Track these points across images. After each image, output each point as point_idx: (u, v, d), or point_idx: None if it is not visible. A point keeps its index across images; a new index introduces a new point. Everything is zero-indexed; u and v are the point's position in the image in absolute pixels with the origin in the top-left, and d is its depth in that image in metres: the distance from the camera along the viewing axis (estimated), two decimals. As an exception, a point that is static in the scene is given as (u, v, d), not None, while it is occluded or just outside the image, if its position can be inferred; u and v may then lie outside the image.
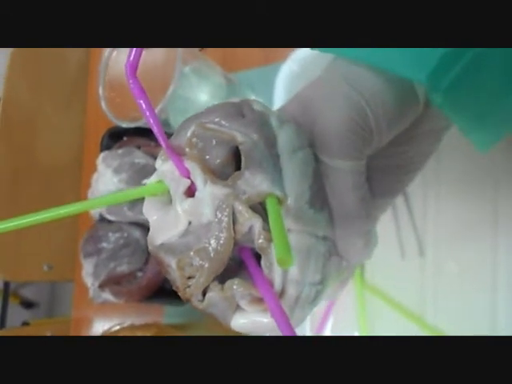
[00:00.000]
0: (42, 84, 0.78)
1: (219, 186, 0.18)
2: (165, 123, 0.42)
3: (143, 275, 0.52)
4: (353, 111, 0.19)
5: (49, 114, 0.78)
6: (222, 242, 0.18)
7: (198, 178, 0.18)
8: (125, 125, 0.39)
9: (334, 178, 0.20)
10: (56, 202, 0.75)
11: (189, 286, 0.19)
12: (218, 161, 0.18)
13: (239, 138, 0.18)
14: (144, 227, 0.52)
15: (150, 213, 0.20)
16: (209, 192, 0.18)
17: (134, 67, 0.18)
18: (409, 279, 0.37)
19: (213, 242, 0.18)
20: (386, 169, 0.24)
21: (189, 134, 0.19)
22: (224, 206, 0.18)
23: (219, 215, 0.18)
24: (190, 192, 0.19)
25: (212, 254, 0.18)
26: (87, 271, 0.52)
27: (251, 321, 0.19)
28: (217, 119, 0.19)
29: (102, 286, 0.51)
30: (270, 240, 0.18)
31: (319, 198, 0.20)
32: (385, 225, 0.38)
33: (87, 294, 0.53)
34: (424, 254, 0.37)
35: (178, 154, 0.19)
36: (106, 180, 0.51)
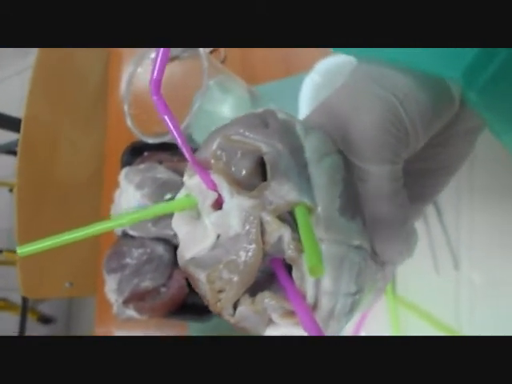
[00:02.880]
0: (62, 102, 0.78)
1: (246, 198, 0.17)
2: (188, 138, 0.41)
3: (167, 291, 0.51)
4: (386, 111, 0.19)
5: (69, 132, 0.79)
6: (250, 253, 0.17)
7: (224, 190, 0.18)
8: (151, 140, 0.39)
9: (371, 183, 0.19)
10: (76, 218, 0.76)
11: (219, 300, 0.19)
12: (244, 172, 0.18)
13: (264, 148, 0.18)
14: (167, 242, 0.52)
15: (180, 228, 0.20)
16: (235, 204, 0.18)
17: (157, 83, 0.18)
18: (443, 293, 0.36)
19: (242, 254, 0.18)
20: (420, 172, 0.23)
21: (214, 146, 0.18)
22: (251, 217, 0.17)
23: (247, 227, 0.17)
24: (218, 205, 0.19)
25: (241, 267, 0.18)
26: (111, 287, 0.52)
27: (284, 334, 0.18)
28: (241, 130, 0.18)
29: (125, 302, 0.51)
30: (300, 250, 0.17)
31: (351, 205, 0.19)
32: (418, 240, 0.37)
33: (109, 310, 0.53)
34: (459, 268, 0.36)
35: (204, 167, 0.19)
36: (129, 195, 0.51)
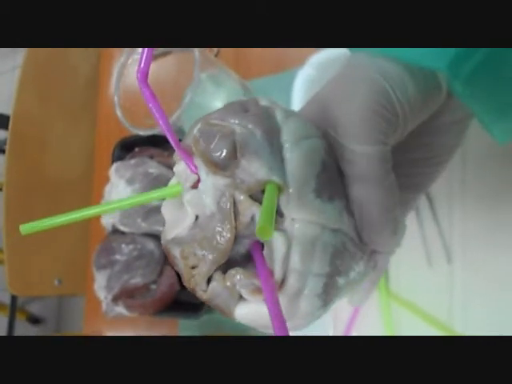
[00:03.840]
0: (51, 98, 0.78)
1: (219, 177, 0.18)
2: (180, 131, 0.41)
3: (157, 288, 0.50)
4: (377, 94, 0.19)
5: (58, 129, 0.78)
6: (224, 232, 0.18)
7: (202, 170, 0.19)
8: (141, 132, 0.38)
9: (360, 165, 0.19)
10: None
11: (193, 276, 0.19)
12: (222, 154, 0.18)
13: (237, 129, 0.18)
14: (158, 238, 0.52)
15: (167, 212, 0.21)
16: (210, 183, 0.19)
17: (144, 73, 0.19)
18: (436, 287, 0.36)
19: (215, 232, 0.18)
20: (410, 162, 0.24)
21: (195, 131, 0.19)
22: (225, 196, 0.18)
23: (221, 205, 0.18)
24: (197, 186, 0.20)
25: (214, 244, 0.18)
26: (100, 284, 0.51)
27: (254, 310, 0.19)
28: (221, 116, 0.19)
29: (115, 299, 0.50)
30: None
31: (328, 188, 0.19)
32: (409, 232, 0.36)
33: (99, 308, 0.52)
34: (452, 261, 0.36)
35: (188, 153, 0.20)
36: (119, 191, 0.50)
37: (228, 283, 0.19)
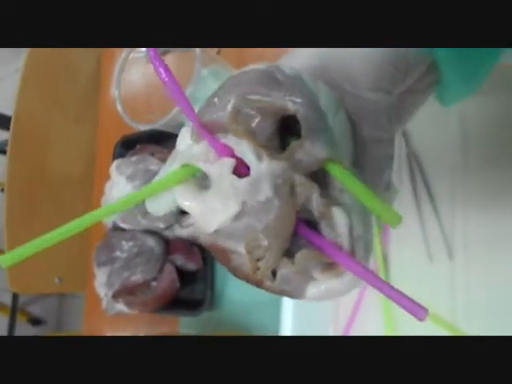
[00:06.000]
0: (53, 98, 0.78)
1: (277, 160, 0.17)
2: (180, 126, 0.41)
3: (157, 285, 0.50)
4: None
5: (60, 128, 0.78)
6: (285, 217, 0.17)
7: (249, 154, 0.17)
8: (142, 127, 0.38)
9: (367, 107, 0.19)
10: (68, 212, 0.74)
11: (258, 269, 0.18)
12: (267, 134, 0.17)
13: (291, 106, 0.16)
14: (158, 235, 0.51)
15: (188, 202, 0.19)
16: (266, 168, 0.17)
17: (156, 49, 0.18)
18: (438, 283, 0.36)
19: (276, 218, 0.17)
20: None
21: (229, 107, 0.17)
22: (282, 180, 0.17)
23: (279, 190, 0.17)
24: (237, 171, 0.18)
25: (278, 232, 0.17)
26: (100, 281, 0.51)
27: (325, 289, 0.18)
28: (254, 89, 0.17)
29: (115, 297, 0.50)
30: (329, 205, 0.17)
31: (353, 153, 0.19)
32: (410, 227, 0.36)
33: (99, 306, 0.52)
34: (453, 257, 0.35)
35: (212, 131, 0.18)
36: (120, 188, 0.50)
37: (299, 267, 0.18)
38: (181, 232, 0.54)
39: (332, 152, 0.17)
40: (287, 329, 0.37)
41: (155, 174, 0.53)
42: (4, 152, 1.15)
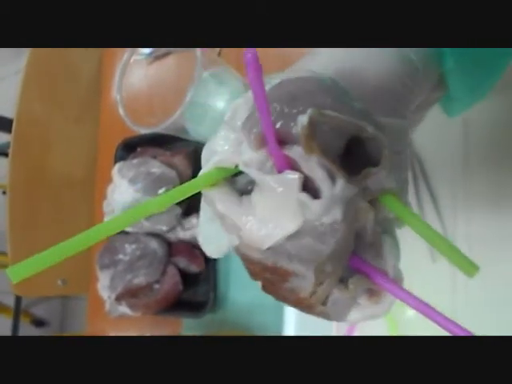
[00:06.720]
0: (54, 100, 0.78)
1: (351, 185, 0.15)
2: (182, 129, 0.41)
3: (160, 287, 0.50)
4: (401, 63, 0.19)
5: (61, 130, 0.78)
6: (348, 242, 0.16)
7: (321, 173, 0.15)
8: (143, 131, 0.38)
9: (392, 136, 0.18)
10: (70, 215, 0.74)
11: (315, 293, 0.17)
12: (338, 154, 0.16)
13: (370, 129, 0.15)
14: (160, 238, 0.52)
15: (230, 210, 0.17)
16: (341, 191, 0.15)
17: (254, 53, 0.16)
18: (441, 283, 0.36)
19: (342, 243, 0.16)
20: None
21: (305, 121, 0.15)
22: (350, 204, 0.16)
23: (346, 214, 0.16)
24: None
25: (342, 257, 0.17)
26: (103, 284, 0.51)
27: (366, 314, 0.19)
28: (328, 101, 0.16)
29: (118, 299, 0.50)
30: (379, 233, 0.17)
31: None
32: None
33: (102, 308, 0.52)
34: (456, 257, 0.35)
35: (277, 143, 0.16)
36: (122, 190, 0.50)
37: (353, 293, 0.17)
38: (183, 234, 0.54)
39: (395, 183, 0.17)
40: (290, 330, 0.37)
41: (157, 176, 0.53)
42: (6, 154, 1.15)
